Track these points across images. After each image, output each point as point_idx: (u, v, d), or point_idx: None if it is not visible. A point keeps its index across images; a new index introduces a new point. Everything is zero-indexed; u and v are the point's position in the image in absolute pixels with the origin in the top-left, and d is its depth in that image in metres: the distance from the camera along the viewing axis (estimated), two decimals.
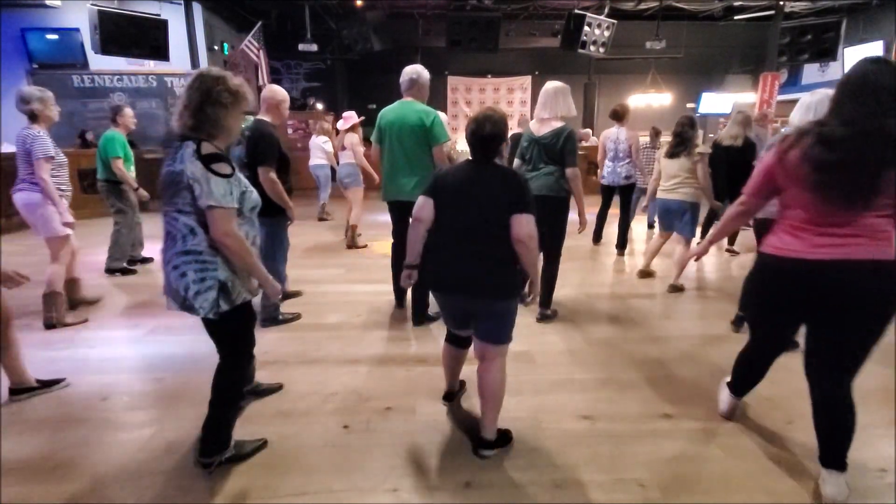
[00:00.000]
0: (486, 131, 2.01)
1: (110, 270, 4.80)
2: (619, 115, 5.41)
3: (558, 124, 3.47)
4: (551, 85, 3.54)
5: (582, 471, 2.05)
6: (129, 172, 4.68)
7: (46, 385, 2.67)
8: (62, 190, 3.48)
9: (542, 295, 3.63)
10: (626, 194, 5.58)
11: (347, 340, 3.28)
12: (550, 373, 2.88)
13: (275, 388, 2.68)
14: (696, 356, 3.09)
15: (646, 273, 4.74)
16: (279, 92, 3.47)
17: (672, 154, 4.31)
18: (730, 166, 4.68)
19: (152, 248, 5.59)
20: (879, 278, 1.76)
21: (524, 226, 1.93)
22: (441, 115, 3.66)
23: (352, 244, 5.93)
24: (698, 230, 4.79)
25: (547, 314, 3.70)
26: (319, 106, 13.65)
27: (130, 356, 3.08)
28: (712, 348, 3.20)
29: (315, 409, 2.50)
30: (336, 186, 6.54)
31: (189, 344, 3.27)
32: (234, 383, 2.13)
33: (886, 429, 2.33)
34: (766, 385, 2.71)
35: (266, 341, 3.27)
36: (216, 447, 2.05)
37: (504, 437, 2.22)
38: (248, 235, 1.95)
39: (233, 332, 2.03)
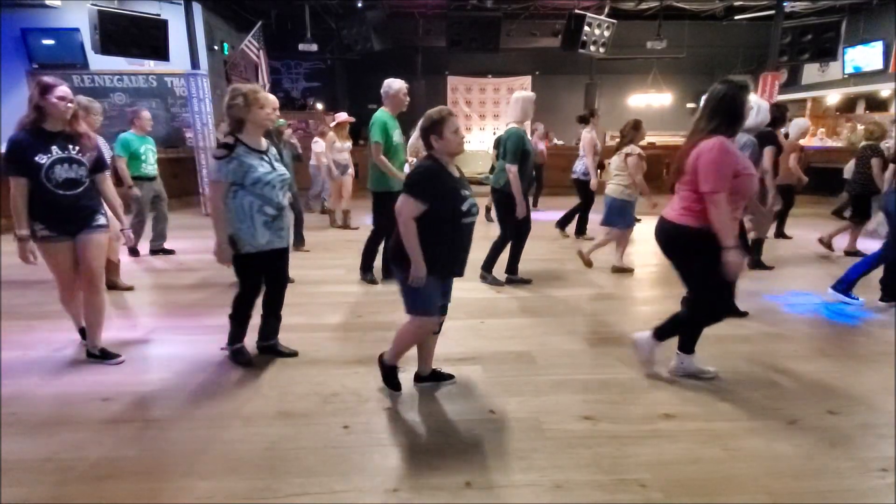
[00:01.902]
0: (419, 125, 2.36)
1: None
2: (584, 119, 6.36)
3: (511, 126, 4.15)
4: (515, 94, 4.28)
5: (583, 472, 2.04)
6: (143, 169, 5.06)
7: (106, 356, 2.99)
8: None
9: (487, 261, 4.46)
10: (581, 188, 6.25)
11: (347, 341, 3.28)
12: (551, 373, 2.88)
13: (292, 353, 3.04)
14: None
15: (585, 260, 4.92)
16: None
17: (615, 151, 4.83)
18: None
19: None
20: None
21: (398, 201, 2.27)
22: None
23: (346, 224, 7.08)
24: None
25: (511, 279, 4.46)
26: (319, 106, 13.64)
27: (131, 356, 3.08)
28: (714, 348, 3.19)
29: (315, 410, 2.50)
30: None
31: (190, 344, 3.27)
32: (239, 299, 2.88)
33: (886, 429, 2.33)
34: (768, 385, 2.71)
35: None
36: (233, 340, 2.95)
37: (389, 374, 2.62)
38: (252, 204, 2.62)
39: (240, 270, 2.78)
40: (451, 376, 2.74)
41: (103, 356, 2.98)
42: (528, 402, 2.56)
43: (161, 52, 7.63)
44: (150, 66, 8.98)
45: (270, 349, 3.06)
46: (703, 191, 2.35)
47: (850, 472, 2.05)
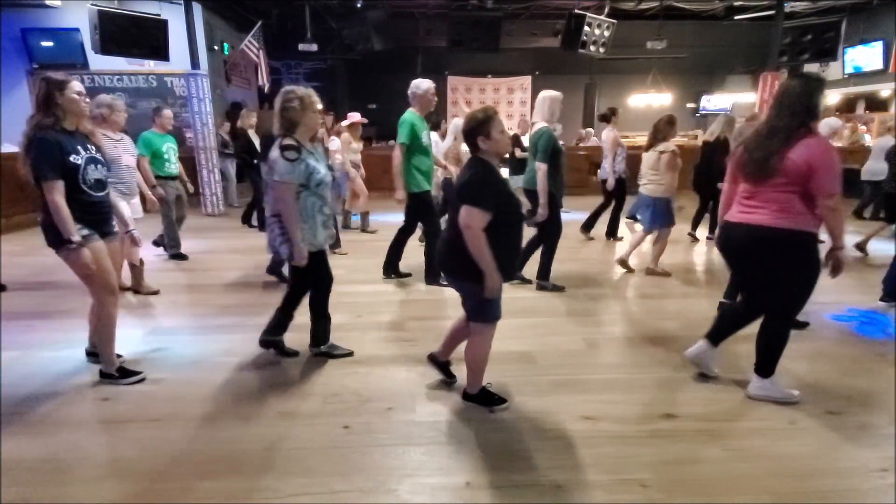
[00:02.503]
0: (462, 128, 2.28)
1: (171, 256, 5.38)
2: (606, 117, 6.01)
3: (540, 126, 4.06)
4: (542, 93, 4.16)
5: (584, 471, 2.04)
6: (166, 168, 4.93)
7: (126, 375, 2.78)
8: (109, 182, 3.69)
9: (539, 268, 4.35)
10: (613, 189, 6.01)
11: (348, 341, 3.27)
12: (552, 373, 2.88)
13: (347, 353, 3.09)
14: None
15: (622, 262, 4.81)
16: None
17: (646, 148, 4.64)
18: (701, 160, 4.79)
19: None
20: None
21: (461, 215, 2.14)
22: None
23: (345, 226, 6.78)
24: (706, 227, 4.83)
25: (543, 286, 4.30)
26: (320, 106, 13.63)
27: (130, 357, 3.07)
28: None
29: (316, 410, 2.49)
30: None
31: (190, 345, 3.26)
32: (294, 293, 2.99)
33: (886, 429, 2.32)
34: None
35: None
36: (275, 331, 3.01)
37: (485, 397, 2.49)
38: (315, 205, 2.72)
39: (299, 268, 2.77)
40: (454, 377, 2.72)
41: (122, 375, 2.77)
42: (528, 401, 2.56)
43: (161, 52, 7.63)
44: (150, 66, 8.98)
45: (327, 353, 3.06)
46: (830, 192, 2.22)
47: (850, 472, 2.05)
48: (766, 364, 2.54)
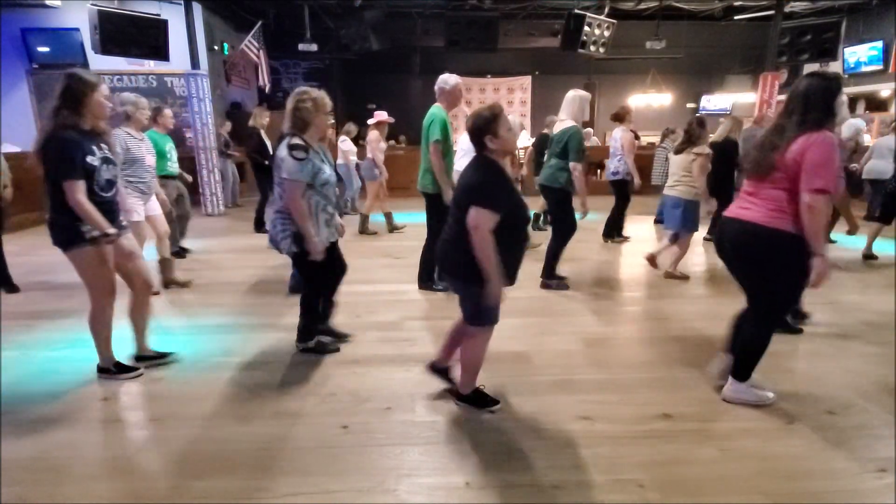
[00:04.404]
0: (468, 126, 2.23)
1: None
2: (619, 117, 5.84)
3: (568, 124, 4.07)
4: (571, 92, 4.19)
5: (580, 472, 2.04)
6: (168, 168, 4.94)
7: (125, 370, 2.82)
8: (129, 181, 3.79)
9: (544, 266, 4.36)
10: (616, 189, 6.02)
11: (347, 341, 3.27)
12: (548, 374, 2.88)
13: (343, 336, 3.25)
14: (695, 357, 3.08)
15: (650, 259, 4.71)
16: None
17: (677, 150, 4.53)
18: (712, 162, 4.78)
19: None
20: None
21: (471, 216, 2.09)
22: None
23: (362, 230, 6.58)
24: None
25: (548, 284, 4.32)
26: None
27: (129, 356, 3.07)
28: (712, 349, 3.19)
29: (313, 410, 2.50)
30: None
31: (188, 344, 3.26)
32: (308, 295, 3.02)
33: (886, 429, 2.33)
34: (766, 385, 2.71)
35: (265, 341, 3.27)
36: (303, 337, 3.06)
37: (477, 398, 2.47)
38: (318, 204, 2.78)
39: (306, 265, 2.85)
40: (455, 384, 2.66)
41: (157, 357, 2.93)
42: (525, 402, 2.56)
43: (161, 52, 7.63)
44: (150, 66, 8.97)
45: (327, 332, 3.21)
46: (815, 187, 2.10)
47: (847, 472, 2.05)
48: (742, 368, 2.48)
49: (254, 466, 2.07)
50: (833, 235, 6.01)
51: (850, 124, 5.99)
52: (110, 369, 2.79)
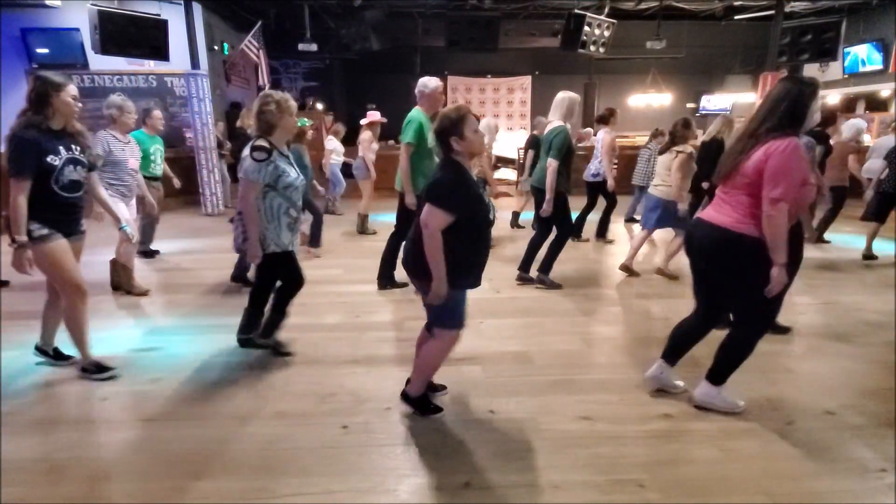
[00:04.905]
0: (433, 127, 2.20)
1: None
2: (604, 119, 6.01)
3: (557, 124, 4.09)
4: (560, 94, 4.20)
5: (581, 472, 2.04)
6: (151, 169, 4.92)
7: (100, 370, 2.80)
8: (111, 184, 3.80)
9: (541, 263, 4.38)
10: (595, 190, 6.11)
11: (346, 341, 3.27)
12: (549, 373, 2.88)
13: (285, 353, 3.07)
14: (695, 357, 3.08)
15: (626, 269, 4.74)
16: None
17: (661, 151, 4.60)
18: (698, 161, 4.80)
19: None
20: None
21: (423, 212, 2.08)
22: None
23: (361, 230, 6.59)
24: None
25: (523, 276, 4.43)
26: (319, 105, 13.63)
27: (128, 356, 3.07)
28: (712, 349, 3.19)
29: (313, 410, 2.49)
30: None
31: (187, 345, 3.26)
32: (258, 291, 3.05)
33: (886, 429, 2.32)
34: (766, 385, 2.71)
35: None
36: (247, 329, 3.05)
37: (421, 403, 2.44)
38: (281, 206, 2.77)
39: (263, 268, 2.92)
40: (443, 387, 2.67)
41: (98, 370, 2.80)
42: (526, 402, 2.56)
43: (161, 52, 7.62)
44: (150, 66, 8.97)
45: (272, 346, 3.08)
46: (772, 196, 2.06)
47: (848, 472, 2.05)
48: (719, 371, 2.43)
49: (254, 467, 2.07)
50: (827, 236, 6.03)
51: (851, 124, 5.98)
52: (89, 368, 2.79)
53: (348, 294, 4.23)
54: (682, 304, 4.04)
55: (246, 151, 2.69)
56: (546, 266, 4.36)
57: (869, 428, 2.34)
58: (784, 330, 3.35)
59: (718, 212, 2.30)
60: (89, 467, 2.08)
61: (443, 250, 2.05)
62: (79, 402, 2.58)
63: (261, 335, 3.07)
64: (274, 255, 2.81)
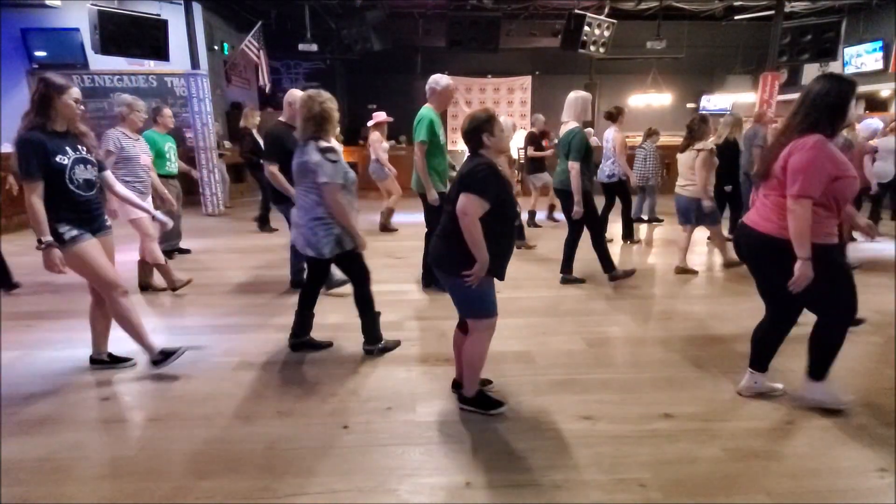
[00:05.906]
0: (463, 128, 2.28)
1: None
2: (612, 116, 5.79)
3: (572, 125, 4.19)
4: (572, 94, 4.25)
5: (582, 471, 2.05)
6: (167, 168, 4.95)
7: (167, 356, 2.88)
8: (126, 181, 3.84)
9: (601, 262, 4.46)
10: (611, 191, 5.97)
11: (347, 341, 3.28)
12: (550, 373, 2.88)
13: (325, 345, 3.19)
14: (698, 357, 3.09)
15: (682, 270, 4.75)
16: (290, 94, 3.97)
17: (681, 149, 4.55)
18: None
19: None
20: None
21: (460, 201, 2.13)
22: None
23: (385, 226, 6.75)
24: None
25: (567, 278, 4.49)
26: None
27: (130, 355, 3.07)
28: (714, 349, 3.20)
29: (314, 410, 2.50)
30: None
31: (189, 344, 3.26)
32: (309, 294, 3.12)
33: (886, 429, 2.33)
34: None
35: (263, 342, 3.27)
36: (301, 332, 3.12)
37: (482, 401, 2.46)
38: (350, 203, 2.84)
39: (350, 265, 3.01)
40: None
41: (165, 357, 2.88)
42: (527, 401, 2.57)
43: (161, 52, 7.63)
44: (150, 66, 8.96)
45: (308, 343, 3.18)
46: (790, 193, 2.08)
47: (848, 472, 2.06)
48: (816, 366, 2.41)
49: (257, 466, 2.08)
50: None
51: (867, 125, 5.98)
52: (158, 359, 2.86)
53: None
54: (687, 304, 4.06)
55: (316, 156, 2.67)
56: (607, 264, 4.42)
57: (869, 428, 2.34)
58: (858, 322, 3.20)
59: (761, 216, 2.31)
60: (94, 467, 2.08)
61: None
62: (83, 402, 2.59)
63: (366, 342, 3.13)
64: (346, 252, 2.88)
